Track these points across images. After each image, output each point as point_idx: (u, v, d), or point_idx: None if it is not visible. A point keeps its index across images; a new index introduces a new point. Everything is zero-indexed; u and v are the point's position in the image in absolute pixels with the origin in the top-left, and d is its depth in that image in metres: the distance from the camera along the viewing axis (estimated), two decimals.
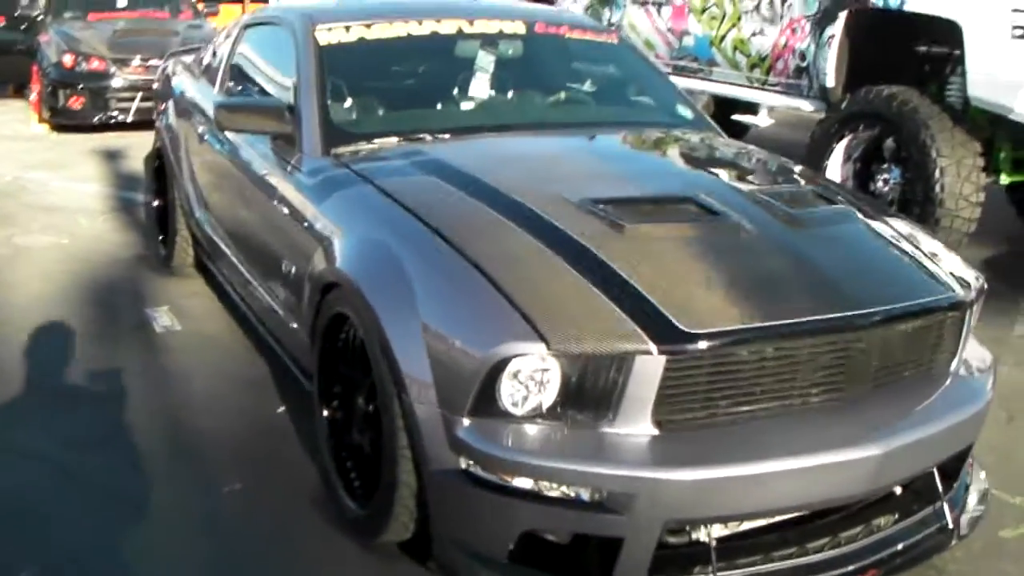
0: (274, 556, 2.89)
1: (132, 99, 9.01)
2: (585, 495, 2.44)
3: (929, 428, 2.67)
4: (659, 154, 3.84)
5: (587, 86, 4.39)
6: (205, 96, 4.82)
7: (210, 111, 4.27)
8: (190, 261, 5.12)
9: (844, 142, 5.90)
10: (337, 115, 3.72)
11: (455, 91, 4.08)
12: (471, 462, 2.50)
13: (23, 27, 10.02)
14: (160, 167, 5.41)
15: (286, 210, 3.47)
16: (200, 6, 11.08)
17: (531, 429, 2.48)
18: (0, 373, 3.97)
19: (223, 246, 4.34)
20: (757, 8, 6.74)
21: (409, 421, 2.60)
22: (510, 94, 4.20)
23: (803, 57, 6.43)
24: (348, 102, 3.87)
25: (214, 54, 5.09)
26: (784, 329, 2.52)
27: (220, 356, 4.22)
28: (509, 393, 2.46)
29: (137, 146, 8.20)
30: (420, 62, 4.22)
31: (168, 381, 3.96)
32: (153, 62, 9.00)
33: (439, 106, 4.06)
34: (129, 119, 9.07)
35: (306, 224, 3.30)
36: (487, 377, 2.44)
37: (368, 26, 4.03)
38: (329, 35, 3.95)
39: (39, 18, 9.89)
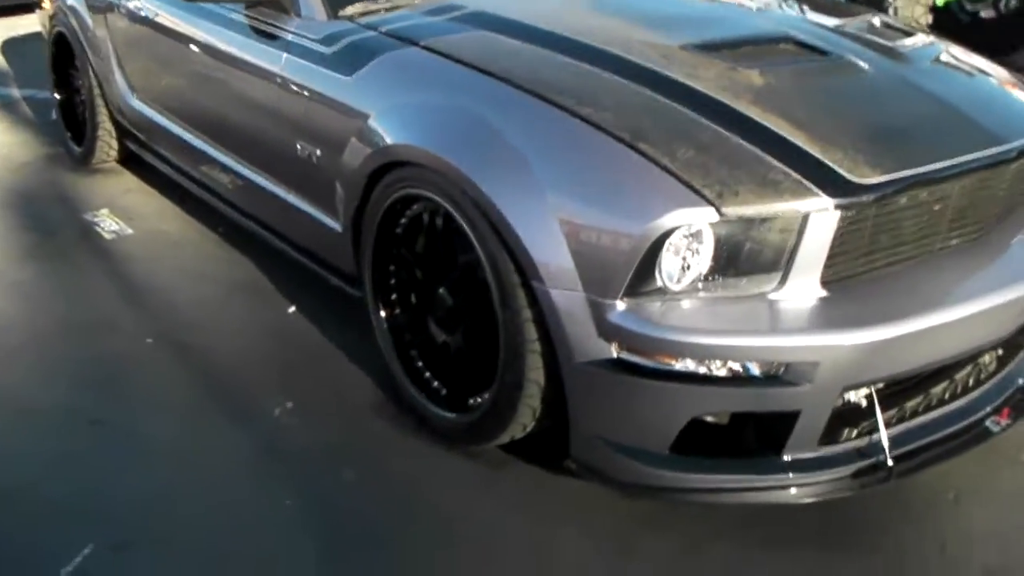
0: (361, 479, 2.56)
1: None
2: (757, 370, 2.22)
3: None
4: None
5: None
6: None
7: None
8: (114, 156, 4.51)
9: None
10: None
11: None
12: (626, 349, 2.22)
13: None
14: (59, 55, 4.70)
15: (294, 87, 2.99)
16: None
17: (692, 304, 2.21)
18: None
19: (182, 136, 3.78)
20: None
21: (541, 311, 2.28)
22: None
23: None
24: None
25: None
26: (945, 172, 2.34)
27: (194, 258, 3.73)
28: (668, 268, 2.18)
29: None
30: None
31: (149, 297, 3.46)
32: None
33: None
34: None
35: (332, 99, 2.85)
36: (648, 253, 2.15)
37: None
38: None
39: None
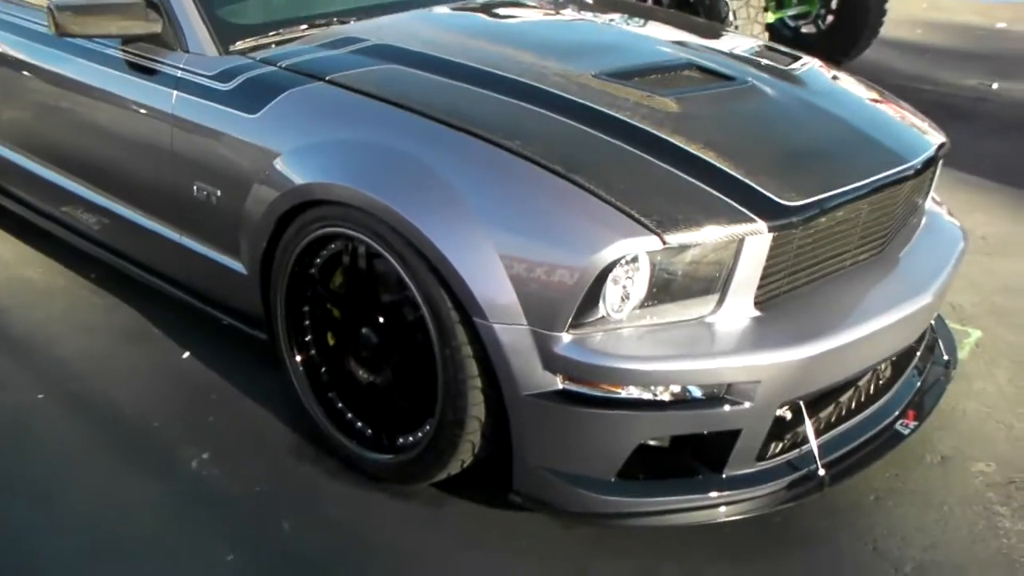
0: (301, 527, 2.47)
1: None
2: (700, 392, 2.26)
3: (947, 267, 2.73)
4: (594, 22, 3.51)
5: None
6: None
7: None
8: None
9: None
10: (215, 4, 3.09)
11: None
12: (571, 380, 2.23)
13: None
14: None
15: (188, 126, 2.85)
16: None
17: (633, 332, 2.25)
18: None
19: (47, 177, 3.54)
20: None
21: (482, 347, 2.26)
22: None
23: None
24: None
25: None
26: (860, 191, 2.46)
27: (68, 306, 3.51)
28: (611, 297, 2.20)
29: None
30: None
31: (29, 350, 3.23)
32: None
33: None
34: None
35: (234, 138, 2.74)
36: (593, 284, 2.16)
37: None
38: None
39: None
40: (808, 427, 2.43)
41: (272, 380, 2.97)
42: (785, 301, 2.40)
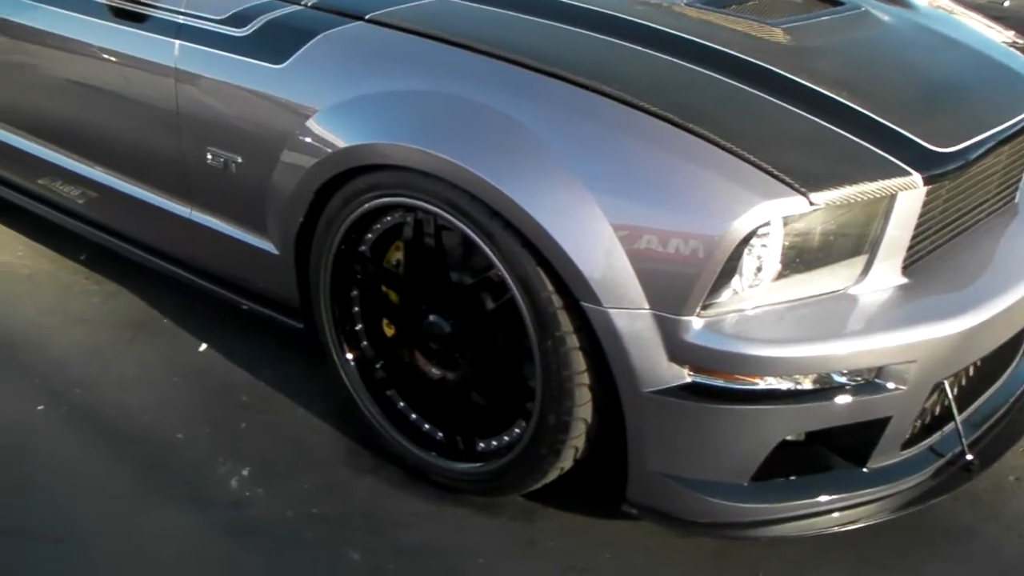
0: (372, 555, 2.09)
1: None
2: (845, 378, 1.91)
3: None
4: None
5: None
6: None
7: None
8: None
9: None
10: None
11: None
12: (701, 371, 1.86)
13: None
14: None
15: (197, 82, 2.42)
16: None
17: (770, 312, 1.88)
18: None
19: (24, 148, 3.07)
20: None
21: (591, 337, 1.89)
22: None
23: None
24: None
25: None
26: (1009, 131, 2.11)
27: (58, 295, 3.07)
28: (747, 272, 1.83)
29: None
30: None
31: (21, 351, 2.78)
32: None
33: None
34: None
35: (256, 93, 2.31)
36: (730, 257, 1.79)
37: None
38: None
39: None
40: (953, 405, 2.09)
41: (308, 375, 2.58)
42: (929, 263, 2.04)
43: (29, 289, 3.09)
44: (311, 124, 2.19)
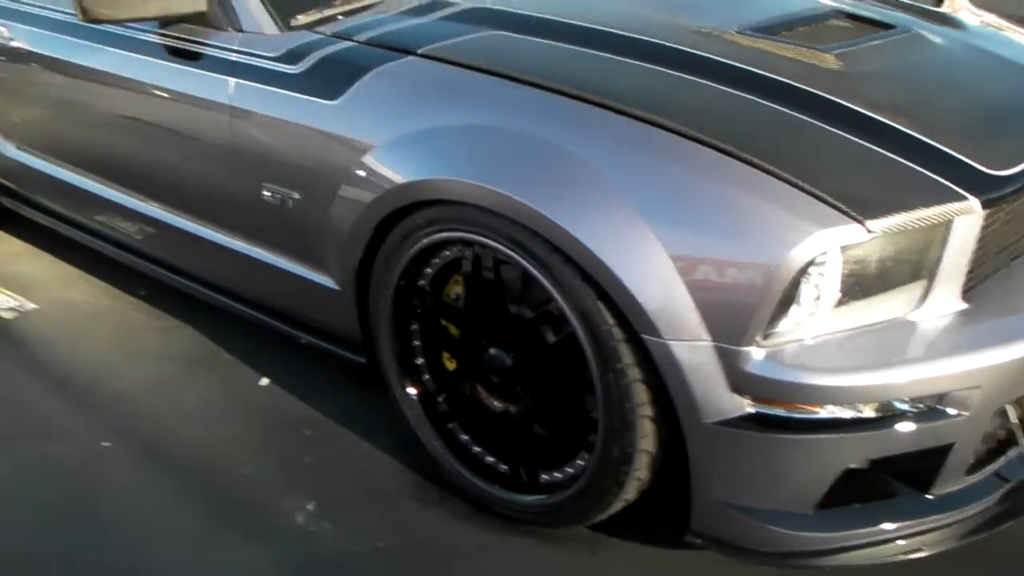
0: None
1: None
2: (907, 405, 1.90)
3: None
4: None
5: None
6: None
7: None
8: None
9: None
10: None
11: None
12: (763, 401, 1.87)
13: None
14: None
15: (252, 119, 2.46)
16: None
17: (830, 340, 1.88)
18: None
19: (84, 186, 3.14)
20: None
21: (653, 369, 1.89)
22: None
23: None
24: None
25: None
26: None
27: (120, 331, 3.13)
28: (805, 300, 1.83)
29: None
30: None
31: (85, 386, 2.84)
32: None
33: None
34: None
35: (311, 130, 2.35)
36: (789, 286, 1.79)
37: None
38: None
39: None
40: (1016, 429, 2.07)
41: (370, 407, 2.62)
42: (988, 288, 2.03)
43: (91, 326, 3.16)
44: (368, 160, 2.22)
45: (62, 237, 3.39)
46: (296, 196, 2.42)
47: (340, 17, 2.53)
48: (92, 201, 3.14)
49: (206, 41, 2.60)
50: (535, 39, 2.31)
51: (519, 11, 2.43)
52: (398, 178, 2.17)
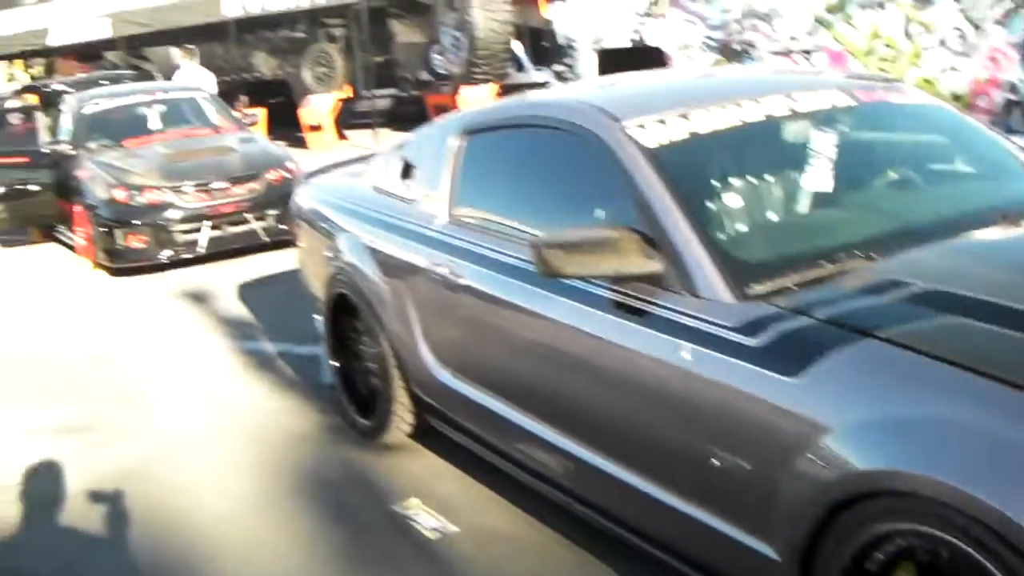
0: None
1: (198, 229, 7.93)
2: None
3: None
4: None
5: (952, 162, 3.52)
6: (421, 227, 3.84)
7: (484, 249, 3.36)
8: (406, 430, 4.10)
9: None
10: (726, 239, 2.80)
11: (828, 188, 3.09)
12: None
13: (47, 164, 8.77)
14: (337, 317, 4.40)
15: (707, 385, 2.50)
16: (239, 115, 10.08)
17: None
18: None
19: (513, 420, 3.32)
20: (943, 42, 5.96)
21: None
22: (884, 183, 3.30)
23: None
24: (718, 219, 2.93)
25: (407, 174, 4.13)
26: None
27: (541, 562, 3.20)
28: None
29: (221, 281, 7.21)
30: (760, 155, 3.27)
31: None
32: (215, 185, 8.03)
33: (836, 210, 3.10)
34: (201, 251, 7.96)
35: (768, 404, 2.35)
36: None
37: (685, 117, 3.13)
38: (649, 134, 3.04)
39: (70, 153, 8.70)
40: None
41: None
42: None
43: (512, 554, 3.25)
44: (827, 440, 2.20)
45: (480, 459, 3.55)
46: (747, 466, 2.41)
47: (794, 288, 2.55)
48: (519, 433, 3.29)
49: (655, 301, 2.71)
50: (1003, 331, 2.21)
51: (980, 297, 2.34)
52: (858, 464, 2.12)
